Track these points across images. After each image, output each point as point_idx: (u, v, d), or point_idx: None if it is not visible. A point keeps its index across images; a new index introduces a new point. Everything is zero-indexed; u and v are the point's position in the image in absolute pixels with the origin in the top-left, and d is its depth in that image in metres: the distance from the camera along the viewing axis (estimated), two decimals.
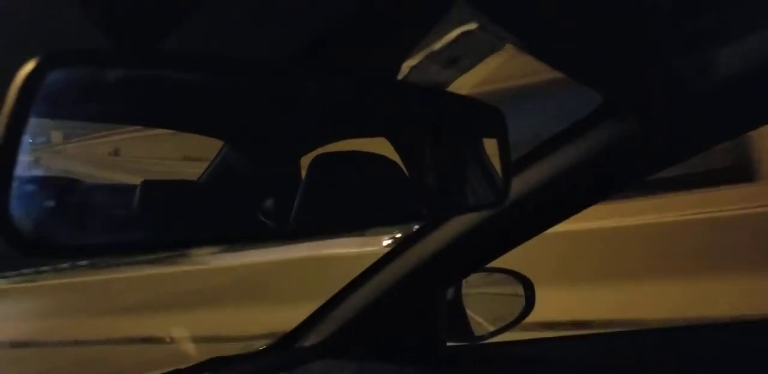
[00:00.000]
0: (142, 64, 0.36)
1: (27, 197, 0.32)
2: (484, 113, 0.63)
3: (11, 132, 0.31)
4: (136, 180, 0.43)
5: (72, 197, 0.39)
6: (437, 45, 0.69)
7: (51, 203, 0.33)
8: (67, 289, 4.69)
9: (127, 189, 0.45)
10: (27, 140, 0.31)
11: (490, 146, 0.67)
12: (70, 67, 0.32)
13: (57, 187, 0.37)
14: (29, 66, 0.30)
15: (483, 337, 1.12)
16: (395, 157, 0.63)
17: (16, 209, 0.31)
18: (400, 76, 0.66)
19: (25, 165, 0.32)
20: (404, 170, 0.62)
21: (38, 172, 0.34)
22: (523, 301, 1.13)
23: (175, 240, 0.40)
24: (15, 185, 0.31)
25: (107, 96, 0.38)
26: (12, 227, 0.31)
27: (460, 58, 0.73)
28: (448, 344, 1.12)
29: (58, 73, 0.31)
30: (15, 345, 4.10)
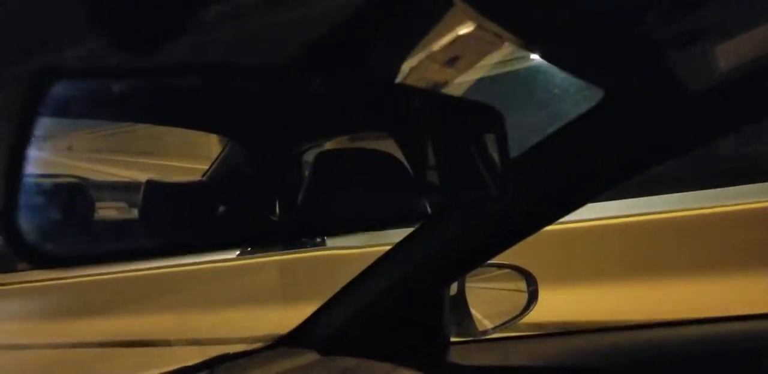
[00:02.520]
0: (144, 76, 0.37)
1: (35, 209, 0.32)
2: (481, 113, 0.64)
3: (17, 147, 0.31)
4: (91, 166, 0.44)
5: (77, 204, 0.39)
6: (437, 45, 0.70)
7: (58, 214, 0.34)
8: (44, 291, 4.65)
9: (131, 188, 0.46)
10: (32, 153, 0.32)
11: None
12: (75, 80, 0.32)
13: (62, 195, 0.37)
14: (35, 76, 0.30)
15: (486, 332, 1.13)
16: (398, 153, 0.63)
17: (25, 221, 0.31)
18: (400, 77, 0.66)
19: (31, 177, 0.32)
20: (407, 166, 0.62)
21: (46, 182, 0.34)
22: (526, 296, 1.14)
23: (181, 246, 0.41)
24: (23, 197, 0.31)
25: (114, 103, 0.38)
26: (21, 238, 0.31)
27: (459, 57, 0.74)
28: (452, 339, 1.13)
29: (62, 85, 0.31)
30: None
